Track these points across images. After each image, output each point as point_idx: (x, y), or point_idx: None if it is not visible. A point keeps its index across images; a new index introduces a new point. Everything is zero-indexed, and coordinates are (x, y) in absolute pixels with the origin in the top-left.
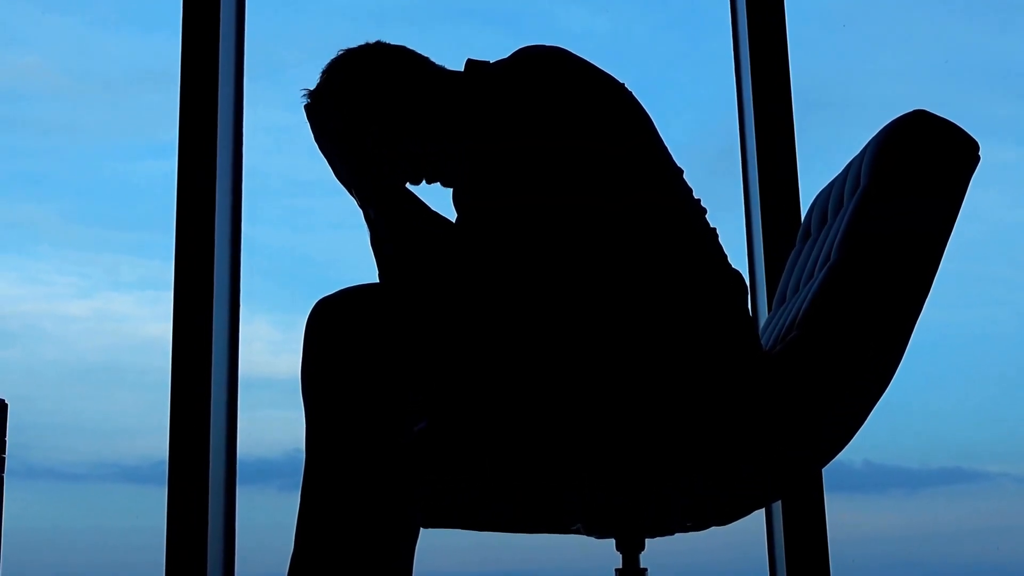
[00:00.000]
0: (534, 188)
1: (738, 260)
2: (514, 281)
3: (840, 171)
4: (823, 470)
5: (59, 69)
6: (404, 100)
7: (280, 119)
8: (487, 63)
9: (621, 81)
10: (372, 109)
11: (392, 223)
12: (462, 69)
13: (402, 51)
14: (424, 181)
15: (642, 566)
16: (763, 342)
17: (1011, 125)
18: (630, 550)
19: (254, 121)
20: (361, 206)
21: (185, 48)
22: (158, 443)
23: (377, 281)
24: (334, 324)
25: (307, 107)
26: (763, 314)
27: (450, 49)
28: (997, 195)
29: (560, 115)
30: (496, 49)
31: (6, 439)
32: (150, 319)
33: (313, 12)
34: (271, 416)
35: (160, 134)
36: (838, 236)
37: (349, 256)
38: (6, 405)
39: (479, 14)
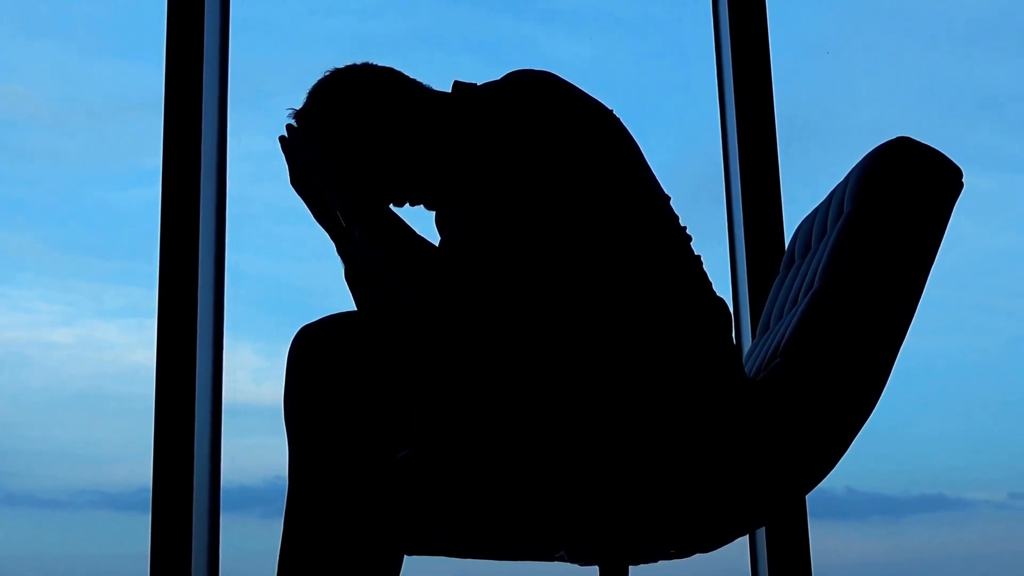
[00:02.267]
0: (519, 213)
1: (722, 287)
2: (498, 306)
3: (824, 198)
4: (806, 496)
5: (42, 96)
6: (390, 120)
7: (264, 147)
8: (474, 85)
9: (609, 108)
10: (358, 127)
11: (378, 238)
12: (449, 91)
13: (390, 72)
14: (408, 203)
15: None
16: (747, 369)
17: (993, 153)
18: None
19: (238, 149)
20: (336, 236)
21: (169, 76)
22: (141, 470)
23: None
24: (316, 351)
25: (282, 137)
26: (747, 342)
27: (434, 77)
28: (979, 223)
29: (546, 140)
30: (479, 77)
31: None
32: (134, 346)
33: (297, 40)
34: (254, 443)
35: (144, 161)
36: (821, 263)
37: (333, 284)
38: None
39: (462, 41)
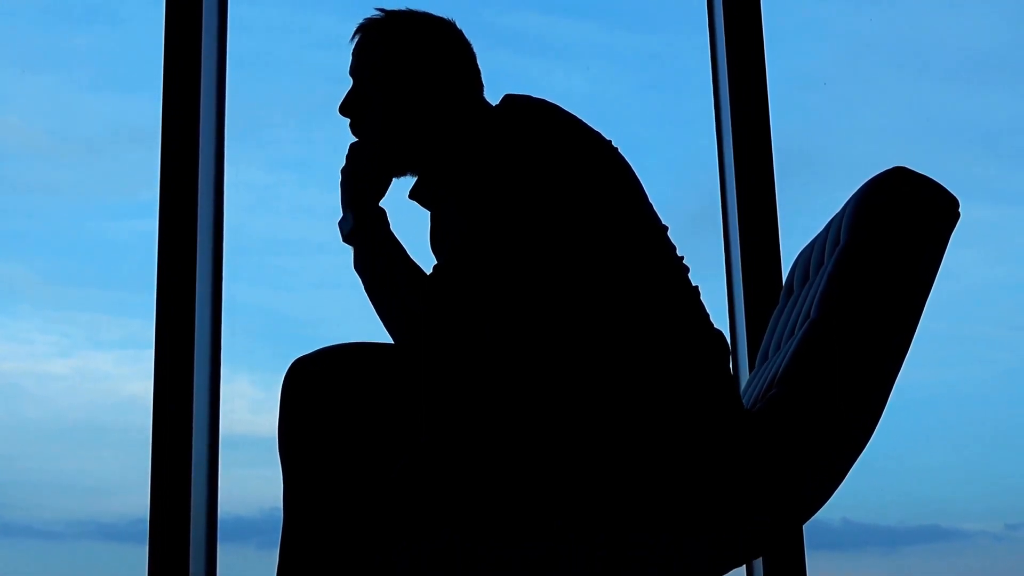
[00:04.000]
0: (516, 243)
1: (719, 318)
2: (496, 332)
3: (822, 228)
4: (803, 527)
5: (39, 129)
6: (443, 89)
7: (261, 178)
8: (490, 105)
9: (608, 138)
10: (416, 72)
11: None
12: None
13: (467, 48)
14: (410, 174)
15: None
16: (745, 400)
17: (989, 185)
18: None
19: (235, 180)
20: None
21: (166, 108)
22: (138, 501)
23: (355, 340)
24: (310, 383)
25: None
26: (744, 372)
27: None
28: (976, 254)
29: (544, 169)
30: None
31: None
32: (131, 378)
33: (294, 73)
34: (251, 474)
35: (140, 193)
36: (818, 293)
37: (330, 315)
38: None
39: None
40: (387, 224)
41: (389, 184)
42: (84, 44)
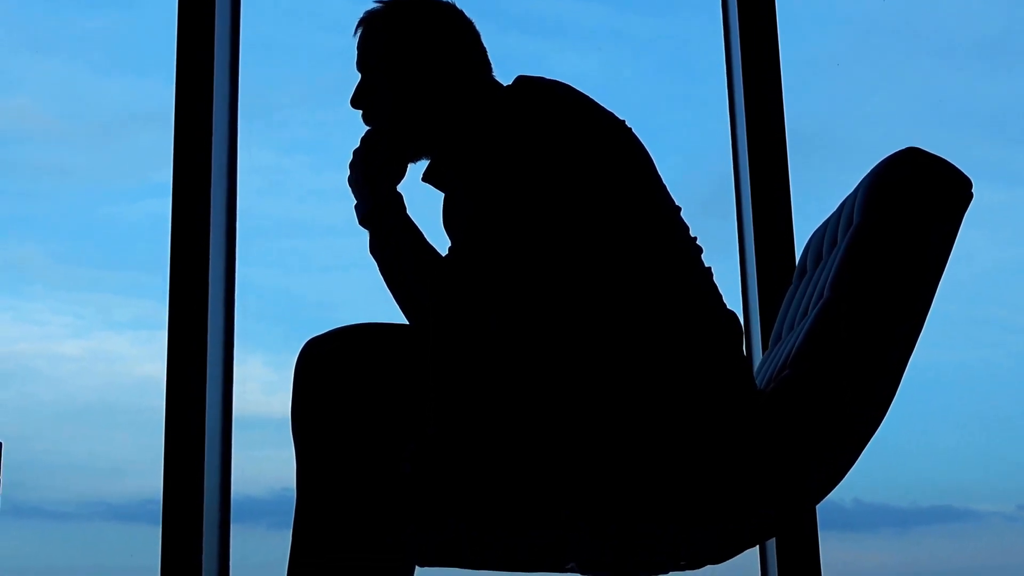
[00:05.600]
0: (529, 224)
1: (732, 300)
2: (507, 316)
3: (835, 209)
4: (816, 508)
5: (51, 111)
6: (448, 70)
7: (274, 160)
8: (500, 85)
9: (621, 118)
10: (419, 58)
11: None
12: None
13: (470, 29)
14: (425, 157)
15: None
16: (758, 381)
17: (1001, 166)
18: None
19: (248, 162)
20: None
21: (179, 89)
22: (149, 481)
23: (367, 321)
24: (323, 363)
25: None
26: (757, 354)
27: None
28: (989, 236)
29: (553, 149)
30: None
31: (0, 478)
32: (144, 359)
33: (306, 56)
34: (263, 455)
35: (153, 175)
36: (831, 274)
37: (342, 297)
38: (0, 445)
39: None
40: (403, 208)
41: (405, 169)
42: (97, 27)
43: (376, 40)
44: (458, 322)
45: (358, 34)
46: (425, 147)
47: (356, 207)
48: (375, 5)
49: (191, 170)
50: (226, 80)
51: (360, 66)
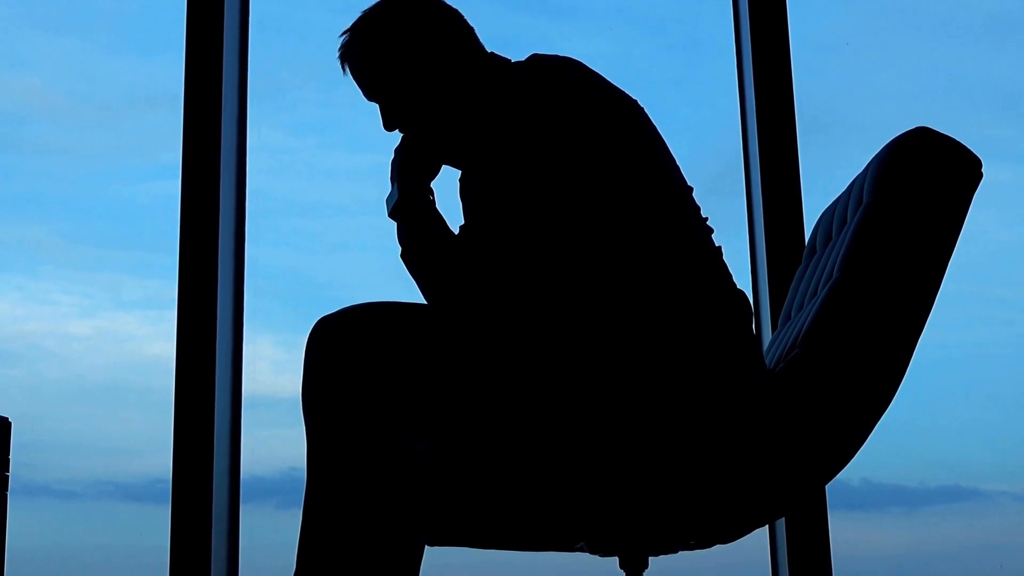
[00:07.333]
0: (541, 204)
1: (742, 279)
2: (519, 296)
3: (845, 188)
4: (825, 487)
5: (61, 91)
6: (445, 59)
7: (283, 140)
8: (508, 61)
9: (633, 97)
10: (415, 54)
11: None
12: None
13: (455, 15)
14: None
15: None
16: (767, 360)
17: (1010, 146)
18: (634, 568)
19: (257, 142)
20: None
21: (189, 69)
22: (157, 461)
23: (378, 300)
24: (334, 342)
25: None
26: (767, 333)
27: None
28: (997, 215)
29: (568, 127)
30: None
31: (9, 457)
32: (153, 338)
33: (316, 35)
34: (272, 435)
35: (163, 155)
36: (840, 253)
37: (352, 276)
38: (9, 423)
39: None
40: (431, 204)
41: (439, 168)
42: (106, 6)
43: (379, 62)
44: (470, 300)
45: (347, 70)
46: (459, 142)
47: (387, 198)
48: (344, 36)
49: (200, 150)
50: (235, 60)
51: (372, 95)
